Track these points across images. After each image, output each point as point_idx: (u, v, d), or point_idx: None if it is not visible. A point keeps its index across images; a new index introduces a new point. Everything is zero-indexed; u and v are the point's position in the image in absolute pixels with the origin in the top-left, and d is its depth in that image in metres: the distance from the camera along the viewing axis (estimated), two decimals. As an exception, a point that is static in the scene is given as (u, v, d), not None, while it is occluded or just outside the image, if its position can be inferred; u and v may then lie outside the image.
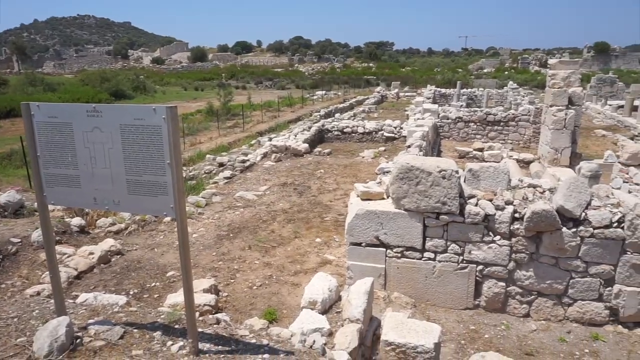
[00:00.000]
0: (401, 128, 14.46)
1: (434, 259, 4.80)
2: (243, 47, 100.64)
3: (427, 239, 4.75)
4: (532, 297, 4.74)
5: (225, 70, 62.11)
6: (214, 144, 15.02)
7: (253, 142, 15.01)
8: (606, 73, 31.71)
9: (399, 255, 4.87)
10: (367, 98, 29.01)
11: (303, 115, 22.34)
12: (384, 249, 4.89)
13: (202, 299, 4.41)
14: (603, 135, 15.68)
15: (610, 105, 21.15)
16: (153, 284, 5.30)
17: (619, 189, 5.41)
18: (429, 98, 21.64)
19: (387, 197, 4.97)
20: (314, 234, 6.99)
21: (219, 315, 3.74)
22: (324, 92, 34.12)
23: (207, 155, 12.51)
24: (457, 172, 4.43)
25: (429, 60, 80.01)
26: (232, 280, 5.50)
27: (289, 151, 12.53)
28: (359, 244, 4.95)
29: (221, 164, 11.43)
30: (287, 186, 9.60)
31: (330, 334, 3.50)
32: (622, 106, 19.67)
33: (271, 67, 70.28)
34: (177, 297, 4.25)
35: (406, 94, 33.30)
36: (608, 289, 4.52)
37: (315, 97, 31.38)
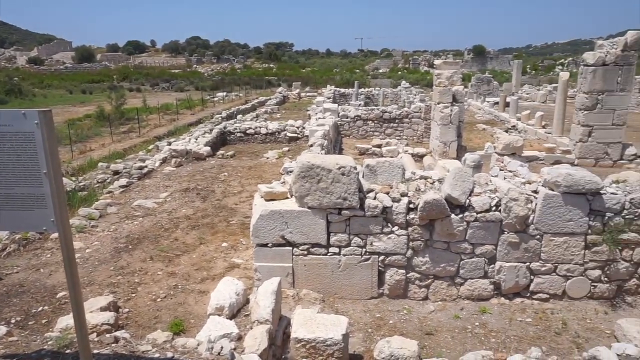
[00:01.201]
0: (304, 128, 14.68)
1: (339, 253, 4.96)
2: (135, 47, 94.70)
3: (331, 234, 4.89)
4: (430, 280, 5.11)
5: (116, 71, 57.98)
6: (107, 151, 13.97)
7: (151, 147, 14.23)
8: (483, 73, 35.21)
9: (306, 252, 4.95)
10: (269, 99, 29.02)
11: (204, 118, 21.67)
12: (291, 248, 4.94)
13: (99, 318, 4.09)
14: (484, 128, 17.37)
15: (488, 101, 23.50)
16: (40, 308, 4.81)
17: (496, 176, 6.04)
18: (329, 98, 22.27)
19: (291, 196, 5.03)
20: (220, 239, 6.83)
21: (117, 333, 3.49)
22: (225, 93, 33.43)
23: (100, 163, 11.60)
24: (355, 168, 4.62)
25: (328, 61, 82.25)
26: (133, 295, 5.17)
27: (190, 155, 12.09)
28: (265, 245, 4.94)
29: (116, 172, 10.67)
30: (190, 191, 9.26)
31: (240, 338, 3.45)
32: (497, 102, 21.97)
33: (168, 68, 67.11)
34: (69, 320, 3.88)
35: (307, 94, 33.89)
36: (491, 266, 5.03)
37: (216, 99, 30.62)
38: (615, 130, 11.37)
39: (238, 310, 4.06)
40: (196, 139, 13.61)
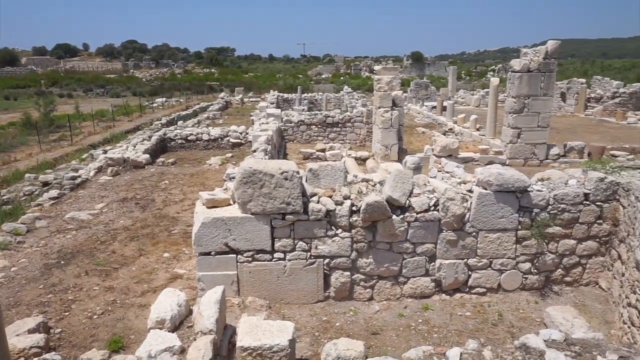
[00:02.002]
0: (247, 133, 14.53)
1: (284, 259, 4.94)
2: (66, 51, 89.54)
3: (276, 239, 4.87)
4: (374, 281, 5.21)
5: (45, 76, 54.42)
6: (35, 161, 13.06)
7: (85, 155, 13.49)
8: (421, 78, 36.59)
9: (250, 259, 4.89)
10: (211, 104, 28.45)
11: (143, 125, 20.87)
12: (235, 255, 4.86)
13: (26, 341, 3.81)
14: (423, 132, 18.02)
15: (426, 106, 24.43)
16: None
17: (434, 177, 6.28)
18: (272, 103, 22.19)
19: (234, 202, 4.95)
20: (161, 249, 6.60)
21: (47, 356, 3.27)
22: (164, 99, 32.38)
23: (27, 174, 10.82)
24: (298, 172, 4.63)
25: (271, 66, 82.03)
26: (66, 314, 4.87)
27: (128, 163, 11.59)
28: (209, 254, 4.83)
29: (46, 183, 10.00)
30: (128, 201, 8.87)
31: (183, 351, 3.35)
32: (435, 107, 22.90)
33: (102, 73, 64.01)
34: (-9, 345, 3.58)
35: (250, 99, 33.60)
36: (432, 264, 5.21)
37: (155, 105, 29.59)
38: (541, 132, 12.20)
39: (181, 322, 3.93)
40: (134, 147, 13.07)
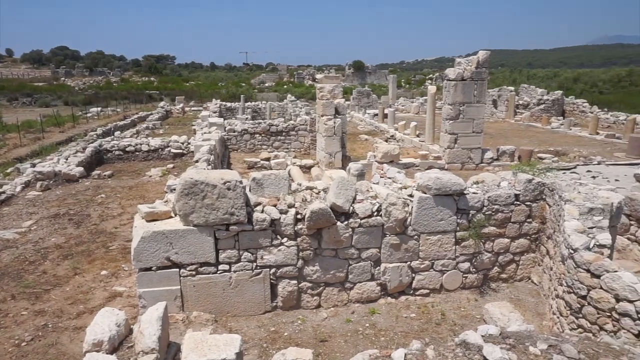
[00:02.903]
0: (189, 143, 14.16)
1: (229, 270, 4.85)
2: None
3: (220, 251, 4.77)
4: (321, 288, 5.23)
5: (-38, 85, 50.16)
6: (-48, 177, 11.97)
7: (10, 170, 12.54)
8: (363, 87, 37.43)
9: (194, 272, 4.75)
10: (151, 114, 27.47)
11: (76, 136, 19.74)
12: (178, 269, 4.71)
13: (-58, 375, 3.46)
14: (366, 139, 18.41)
15: (368, 113, 25.01)
16: None
17: (377, 183, 6.43)
18: (215, 112, 21.82)
19: (175, 215, 4.80)
20: (98, 267, 6.25)
21: (-32, 390, 2.99)
22: (99, 109, 30.85)
23: (-58, 192, 9.88)
24: (241, 182, 4.57)
25: (213, 74, 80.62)
26: (-11, 342, 4.47)
27: (60, 177, 10.91)
28: (149, 269, 4.63)
29: (-36, 201, 9.19)
30: (60, 217, 8.34)
31: (122, 374, 3.17)
32: (377, 114, 23.49)
33: (29, 80, 59.95)
34: None
35: (192, 108, 32.81)
36: (377, 268, 5.32)
37: (89, 115, 28.10)
38: (475, 137, 12.86)
39: (120, 343, 3.73)
40: (66, 159, 12.32)
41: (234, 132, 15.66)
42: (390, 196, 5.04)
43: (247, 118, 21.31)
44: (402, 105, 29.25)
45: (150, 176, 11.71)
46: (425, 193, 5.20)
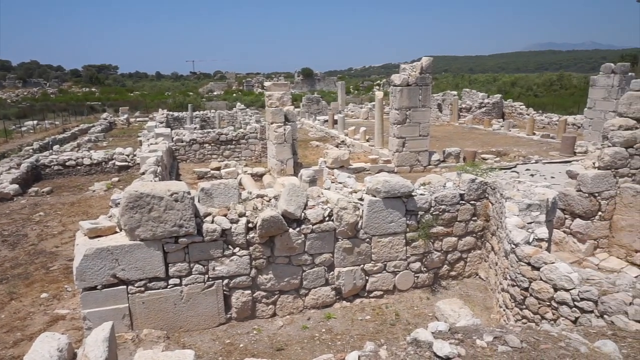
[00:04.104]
0: (135, 155, 13.66)
1: (180, 284, 4.71)
2: None
3: (170, 265, 4.63)
4: (276, 296, 5.19)
5: None
6: None
7: None
8: (313, 93, 37.71)
9: (143, 288, 4.58)
10: (93, 126, 26.29)
11: (9, 152, 18.52)
12: (125, 286, 4.51)
13: None
14: (317, 145, 18.53)
15: (319, 120, 25.20)
16: None
17: (328, 188, 6.48)
18: (162, 122, 21.20)
19: (121, 230, 4.61)
20: (37, 290, 5.89)
21: None
22: (35, 122, 29.16)
23: None
24: (189, 193, 4.47)
25: (159, 84, 78.37)
26: None
27: (-8, 196, 10.20)
28: (94, 288, 4.41)
29: None
30: (-7, 239, 7.79)
31: (66, 401, 2.99)
32: (327, 120, 23.71)
33: (-45, 94, 55.68)
34: None
35: (137, 119, 31.74)
36: (331, 273, 5.35)
37: (24, 129, 26.50)
38: (422, 140, 13.28)
39: (63, 369, 3.51)
40: (-1, 177, 11.54)
41: (182, 142, 15.29)
42: (341, 201, 5.10)
43: (195, 127, 20.87)
44: (352, 111, 29.71)
45: (94, 191, 11.19)
46: (375, 196, 5.30)
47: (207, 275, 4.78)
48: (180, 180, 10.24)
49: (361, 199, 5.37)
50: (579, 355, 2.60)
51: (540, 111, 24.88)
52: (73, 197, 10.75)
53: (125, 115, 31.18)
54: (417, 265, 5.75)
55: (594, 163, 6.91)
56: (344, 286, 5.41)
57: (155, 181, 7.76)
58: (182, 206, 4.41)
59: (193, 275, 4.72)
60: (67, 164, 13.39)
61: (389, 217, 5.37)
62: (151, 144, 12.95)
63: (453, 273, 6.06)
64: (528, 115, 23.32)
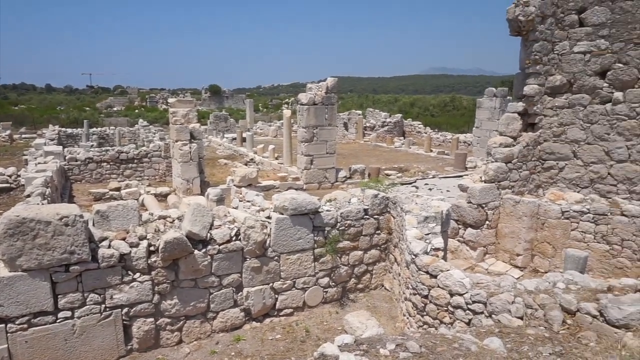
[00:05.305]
0: (18, 176, 12.26)
1: (72, 317, 4.30)
2: None
3: (60, 296, 4.21)
4: (182, 322, 4.95)
5: None
6: None
7: None
8: (220, 111, 37.12)
9: (26, 325, 4.10)
10: (-33, 143, 23.25)
11: None
12: (3, 325, 4.01)
13: None
14: (225, 163, 18.19)
15: (227, 137, 24.80)
16: None
17: (236, 207, 6.38)
18: (52, 139, 19.39)
19: (-2, 260, 4.10)
20: None
21: None
22: None
23: None
24: (82, 216, 4.13)
25: (50, 97, 71.82)
26: None
27: None
28: (-36, 329, 3.86)
29: None
30: None
31: None
32: (235, 138, 23.43)
33: None
34: None
35: (23, 136, 28.69)
36: (239, 294, 5.24)
37: None
38: (329, 157, 13.66)
39: None
40: None
41: (77, 161, 14.11)
42: (248, 219, 5.05)
43: (92, 145, 19.40)
44: (261, 129, 29.71)
45: (-33, 217, 9.83)
46: (283, 214, 5.33)
47: (103, 305, 4.42)
48: (74, 203, 9.42)
49: (269, 217, 5.37)
50: (470, 354, 2.82)
51: (437, 130, 26.98)
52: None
53: (8, 132, 28.00)
54: (326, 280, 5.85)
55: (480, 177, 7.62)
56: (254, 306, 5.32)
57: (42, 204, 7.04)
58: (74, 231, 4.05)
59: (87, 306, 4.34)
60: None
61: (297, 234, 5.42)
62: (39, 163, 11.76)
63: (360, 286, 6.26)
64: (426, 133, 25.15)
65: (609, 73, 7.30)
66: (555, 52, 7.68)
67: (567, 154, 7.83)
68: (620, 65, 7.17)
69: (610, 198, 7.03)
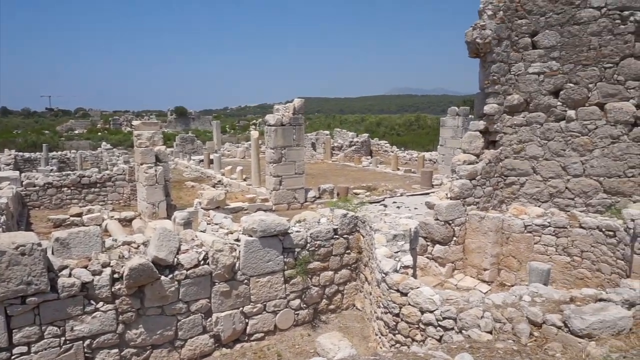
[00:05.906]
0: (-29, 204, 11.68)
1: (28, 352, 4.07)
2: None
3: (15, 331, 3.98)
4: (148, 352, 4.76)
5: None
6: None
7: None
8: (187, 133, 36.67)
9: (-22, 363, 3.85)
10: None
11: None
12: (-48, 364, 3.75)
13: None
14: (192, 185, 17.88)
15: (194, 160, 24.46)
16: None
17: (204, 231, 6.25)
18: (8, 164, 18.62)
19: (-53, 294, 3.86)
20: None
21: None
22: None
23: None
24: (40, 244, 3.95)
25: (5, 120, 69.14)
26: None
27: None
28: None
29: None
30: None
31: None
32: (202, 160, 23.14)
33: None
34: None
35: (-23, 161, 27.38)
36: (209, 320, 5.10)
37: None
38: (298, 178, 13.67)
39: None
40: None
41: (35, 186, 13.55)
42: (216, 243, 4.95)
43: (52, 169, 18.71)
44: (228, 151, 29.46)
45: None
46: (252, 236, 5.26)
47: (63, 338, 4.21)
48: (32, 230, 9.02)
49: (238, 240, 5.29)
50: (442, 372, 2.83)
51: (403, 148, 27.49)
52: None
53: (-41, 158, 26.69)
54: (297, 302, 5.78)
55: (446, 194, 7.79)
56: (223, 332, 5.18)
57: (-3, 233, 6.70)
58: (31, 260, 3.87)
59: (46, 340, 4.12)
60: None
61: (267, 256, 5.36)
62: (-6, 190, 11.22)
63: (332, 307, 6.21)
64: (392, 152, 25.57)
65: (561, 92, 7.69)
66: (512, 72, 8.03)
67: (527, 169, 8.13)
68: (572, 85, 7.57)
69: (568, 211, 7.31)
